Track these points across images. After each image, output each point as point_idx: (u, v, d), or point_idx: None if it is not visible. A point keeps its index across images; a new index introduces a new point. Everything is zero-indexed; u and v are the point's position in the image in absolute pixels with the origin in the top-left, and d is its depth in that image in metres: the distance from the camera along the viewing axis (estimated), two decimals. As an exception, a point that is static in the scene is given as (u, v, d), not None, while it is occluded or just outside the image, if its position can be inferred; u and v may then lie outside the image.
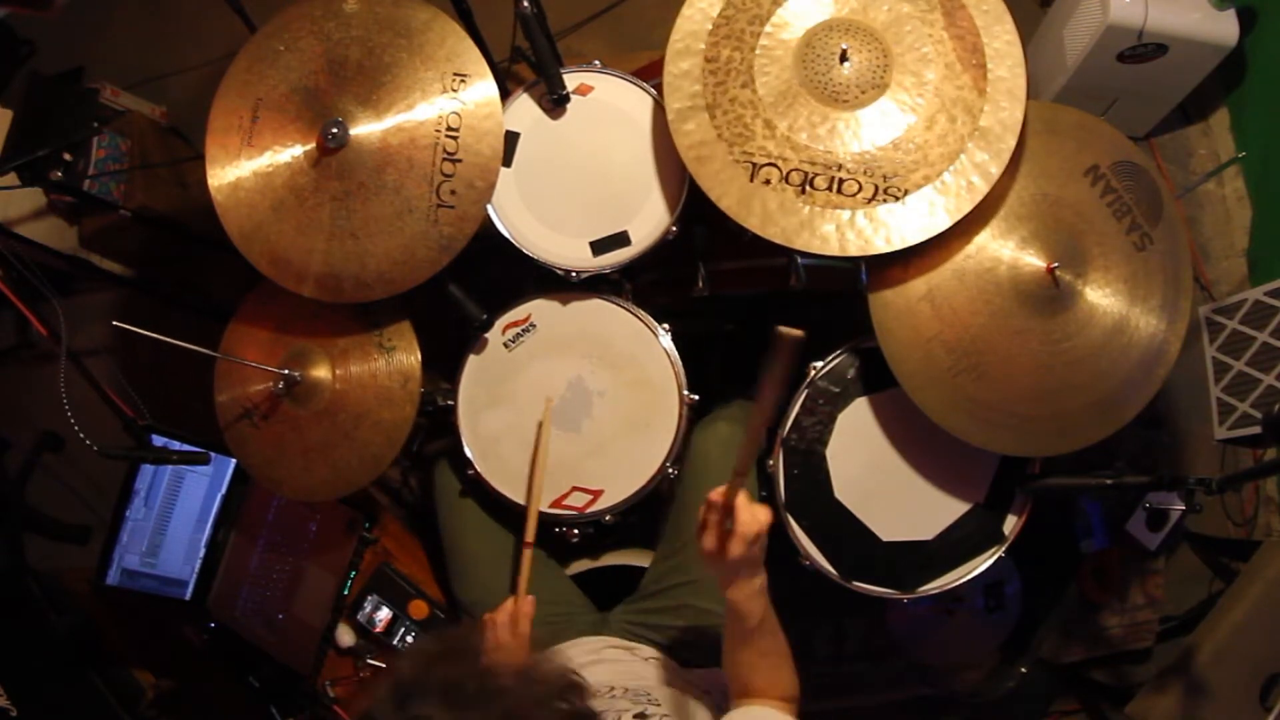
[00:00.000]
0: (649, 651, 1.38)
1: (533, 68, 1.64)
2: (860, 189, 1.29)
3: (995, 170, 1.28)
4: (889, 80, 1.31)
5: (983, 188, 1.28)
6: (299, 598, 1.81)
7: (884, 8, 1.33)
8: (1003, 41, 1.31)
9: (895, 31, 1.32)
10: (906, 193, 1.29)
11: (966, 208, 1.28)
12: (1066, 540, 1.92)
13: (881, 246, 1.28)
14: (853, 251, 1.28)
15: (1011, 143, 1.28)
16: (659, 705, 1.10)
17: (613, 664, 1.30)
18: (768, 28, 1.34)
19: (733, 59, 1.34)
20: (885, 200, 1.29)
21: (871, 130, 1.31)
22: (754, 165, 1.31)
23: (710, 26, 1.36)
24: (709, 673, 1.38)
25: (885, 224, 1.29)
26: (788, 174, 1.31)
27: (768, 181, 1.31)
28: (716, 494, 0.99)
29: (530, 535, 1.41)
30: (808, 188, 1.30)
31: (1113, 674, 2.01)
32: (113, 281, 2.22)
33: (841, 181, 1.30)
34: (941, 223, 1.28)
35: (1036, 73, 2.02)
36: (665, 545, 1.52)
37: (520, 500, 1.52)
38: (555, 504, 1.52)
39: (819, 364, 1.46)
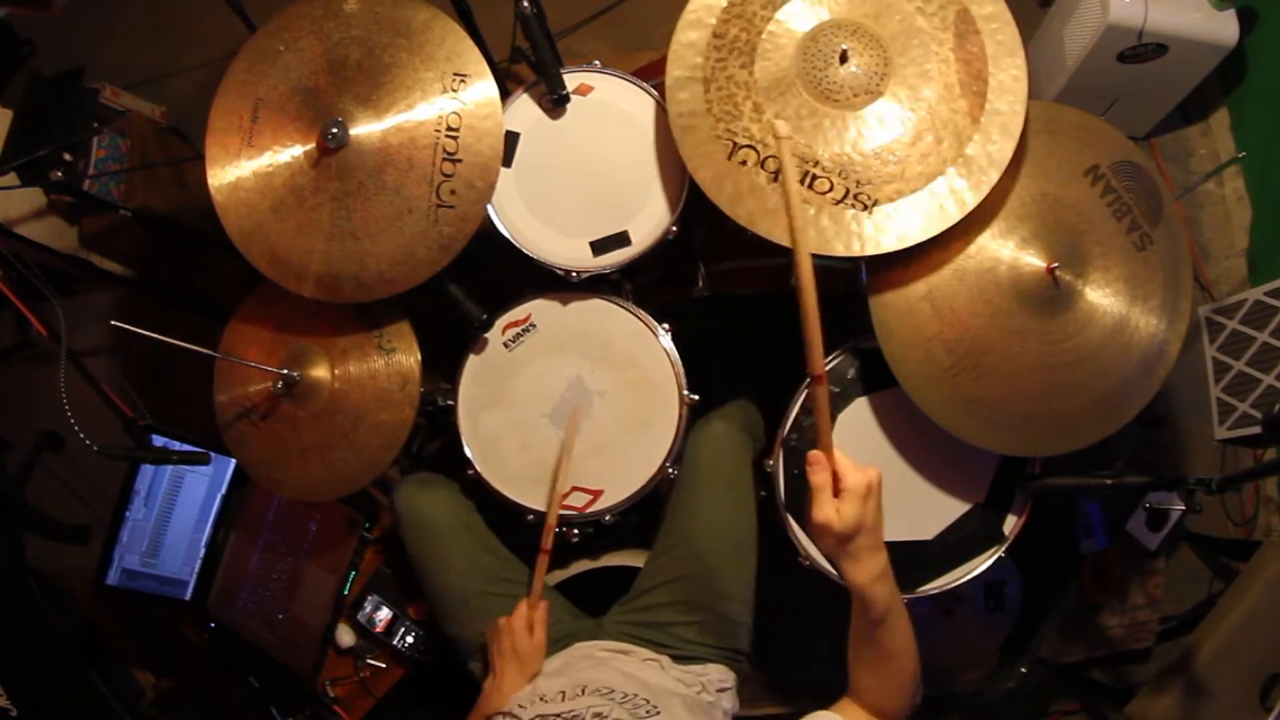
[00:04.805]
0: (645, 653, 1.38)
1: (533, 68, 1.63)
2: (831, 189, 1.29)
3: (970, 200, 1.27)
4: (884, 89, 1.31)
5: (954, 215, 1.27)
6: (299, 598, 1.81)
7: (896, 17, 1.32)
8: (1009, 75, 1.29)
9: (902, 42, 1.32)
10: (876, 203, 1.29)
11: (932, 232, 1.27)
12: (1066, 540, 1.92)
13: (839, 250, 1.28)
14: (811, 248, 1.27)
15: (994, 177, 1.27)
16: (657, 712, 1.09)
17: (611, 667, 1.30)
18: (779, 15, 1.35)
19: (739, 38, 1.35)
20: (853, 205, 1.29)
21: (855, 134, 1.30)
22: (734, 144, 1.32)
23: (725, 3, 1.36)
24: (707, 668, 1.38)
25: (847, 229, 1.28)
26: (764, 159, 1.31)
27: (744, 163, 1.31)
28: (816, 455, 0.97)
29: (547, 542, 1.41)
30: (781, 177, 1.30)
31: (1113, 674, 2.01)
32: (113, 281, 2.22)
33: (814, 178, 1.30)
34: (900, 243, 1.27)
35: (1036, 73, 2.02)
36: (660, 543, 1.52)
37: (520, 500, 1.52)
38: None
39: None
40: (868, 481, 0.96)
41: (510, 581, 1.51)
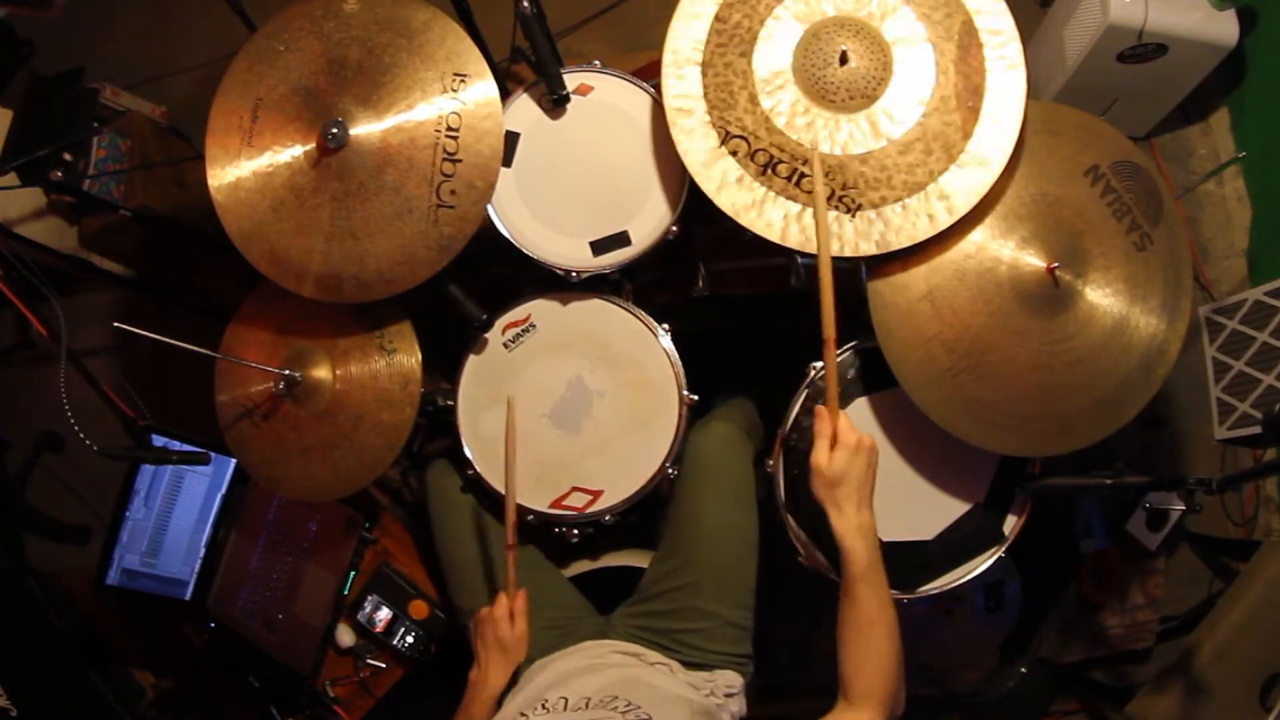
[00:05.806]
0: (655, 656, 1.38)
1: (533, 68, 1.64)
2: None
3: (954, 214, 1.27)
4: (880, 94, 1.31)
5: (937, 226, 1.28)
6: (299, 598, 1.81)
7: (901, 24, 1.32)
8: (1008, 91, 1.29)
9: (904, 49, 1.31)
10: (860, 208, 1.29)
11: (907, 242, 1.28)
12: (1066, 540, 1.92)
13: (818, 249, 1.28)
14: (792, 244, 1.29)
15: (981, 193, 1.27)
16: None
17: (615, 670, 1.29)
18: (782, 7, 1.34)
19: (741, 25, 1.34)
20: (836, 208, 1.29)
21: (847, 137, 1.30)
22: (726, 133, 1.32)
23: None
24: (716, 674, 1.38)
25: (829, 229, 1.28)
26: (754, 152, 1.32)
27: (734, 153, 1.32)
28: (820, 410, 1.16)
29: (510, 538, 1.38)
30: (769, 171, 1.31)
31: (1113, 674, 2.01)
32: (113, 281, 2.22)
33: (802, 175, 1.30)
34: (879, 248, 1.28)
35: (1036, 73, 2.02)
36: (664, 547, 1.51)
37: (519, 500, 1.52)
38: (555, 504, 1.52)
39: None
40: (858, 438, 1.13)
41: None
